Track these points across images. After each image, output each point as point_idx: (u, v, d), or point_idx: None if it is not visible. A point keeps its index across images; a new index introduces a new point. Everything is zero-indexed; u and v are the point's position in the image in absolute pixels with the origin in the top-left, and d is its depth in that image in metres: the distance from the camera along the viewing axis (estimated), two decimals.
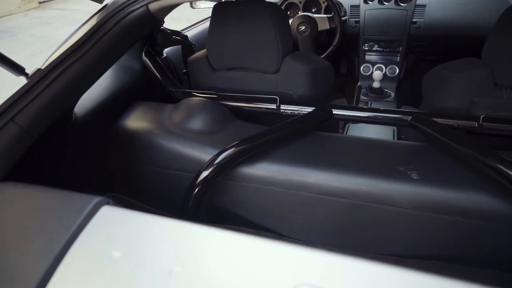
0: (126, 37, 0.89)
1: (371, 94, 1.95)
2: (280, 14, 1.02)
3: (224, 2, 1.15)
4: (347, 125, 1.62)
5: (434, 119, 0.84)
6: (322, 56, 1.97)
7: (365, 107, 0.94)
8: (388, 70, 2.08)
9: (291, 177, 0.79)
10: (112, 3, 0.88)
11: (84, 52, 0.80)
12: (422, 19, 1.97)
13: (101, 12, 0.87)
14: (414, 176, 0.73)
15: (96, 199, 0.45)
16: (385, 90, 1.99)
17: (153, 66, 1.13)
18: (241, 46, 1.03)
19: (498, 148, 0.76)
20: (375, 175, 0.75)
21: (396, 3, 2.00)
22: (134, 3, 0.87)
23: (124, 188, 1.01)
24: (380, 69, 2.08)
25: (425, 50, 2.07)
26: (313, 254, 0.35)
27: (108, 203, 0.45)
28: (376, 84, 1.92)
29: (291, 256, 0.35)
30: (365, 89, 2.01)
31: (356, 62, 2.20)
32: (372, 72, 2.07)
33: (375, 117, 0.93)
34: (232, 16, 1.02)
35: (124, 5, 0.86)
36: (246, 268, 0.35)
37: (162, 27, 1.15)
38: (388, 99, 1.98)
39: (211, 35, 1.06)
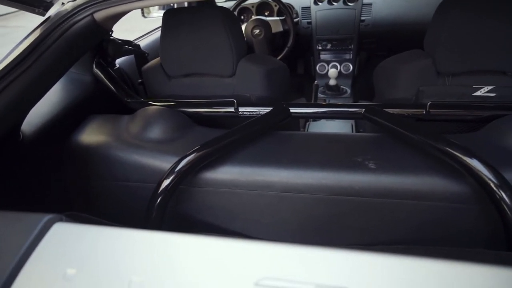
0: (72, 49, 0.85)
1: (328, 92, 2.01)
2: (231, 18, 1.03)
3: (174, 9, 1.14)
4: (308, 123, 1.65)
5: (386, 109, 0.88)
6: (278, 57, 2.01)
7: (320, 103, 0.97)
8: (343, 68, 2.15)
9: (254, 178, 0.79)
10: (56, 15, 0.85)
11: (27, 67, 0.76)
12: (370, 17, 2.06)
13: (44, 24, 0.83)
14: (372, 165, 0.76)
15: (46, 217, 0.42)
16: (341, 87, 2.05)
17: (105, 77, 1.10)
18: (195, 52, 1.03)
19: (446, 132, 0.80)
20: (335, 168, 0.77)
21: (344, 3, 2.07)
22: (78, 13, 0.83)
23: (84, 205, 0.97)
24: (335, 67, 2.15)
25: (375, 46, 2.16)
26: (272, 248, 0.35)
27: (60, 220, 0.43)
28: (332, 82, 1.98)
29: (251, 252, 0.35)
30: (322, 87, 2.06)
31: (312, 62, 2.25)
32: (328, 71, 2.13)
33: (331, 112, 0.96)
34: (183, 22, 1.02)
35: (68, 15, 0.83)
36: (204, 269, 0.34)
37: (112, 37, 1.13)
38: (344, 95, 2.04)
39: (164, 42, 1.04)
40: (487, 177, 0.65)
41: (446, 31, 0.88)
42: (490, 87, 0.90)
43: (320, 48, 2.18)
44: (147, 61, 1.22)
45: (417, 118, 0.88)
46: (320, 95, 2.03)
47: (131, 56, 1.32)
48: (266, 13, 2.18)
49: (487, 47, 0.88)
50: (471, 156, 0.68)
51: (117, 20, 0.93)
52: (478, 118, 0.86)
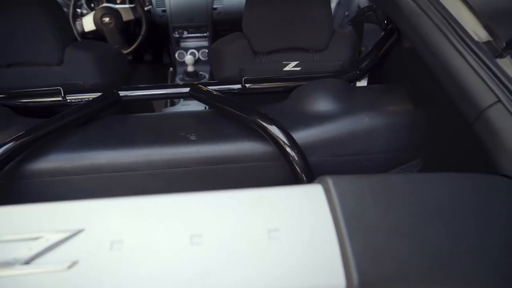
0: None
1: (187, 78, 2.07)
2: (50, 3, 0.99)
3: None
4: (164, 109, 1.69)
5: (210, 87, 0.97)
6: (133, 46, 1.98)
7: (152, 85, 1.01)
8: (201, 54, 2.23)
9: (81, 162, 0.80)
10: None
11: None
12: (221, 5, 2.17)
13: None
14: (193, 138, 0.84)
15: None
16: (200, 73, 2.13)
17: None
18: (13, 39, 0.96)
19: (262, 104, 0.93)
20: (159, 144, 0.82)
21: None
22: None
23: None
24: (193, 54, 2.21)
25: (230, 33, 2.28)
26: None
27: None
28: (190, 68, 2.04)
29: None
30: (181, 75, 2.11)
31: (171, 50, 2.27)
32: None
33: (163, 94, 1.01)
34: None
35: None
36: None
37: None
38: (203, 81, 2.12)
39: None
40: (281, 139, 0.79)
41: (254, 15, 1.01)
42: (295, 62, 1.06)
43: (177, 36, 2.21)
44: None
45: (235, 93, 0.99)
46: (179, 82, 2.07)
47: None
48: (118, 1, 2.10)
49: (290, 28, 1.03)
50: (271, 122, 0.80)
51: None
52: (285, 89, 1.01)
